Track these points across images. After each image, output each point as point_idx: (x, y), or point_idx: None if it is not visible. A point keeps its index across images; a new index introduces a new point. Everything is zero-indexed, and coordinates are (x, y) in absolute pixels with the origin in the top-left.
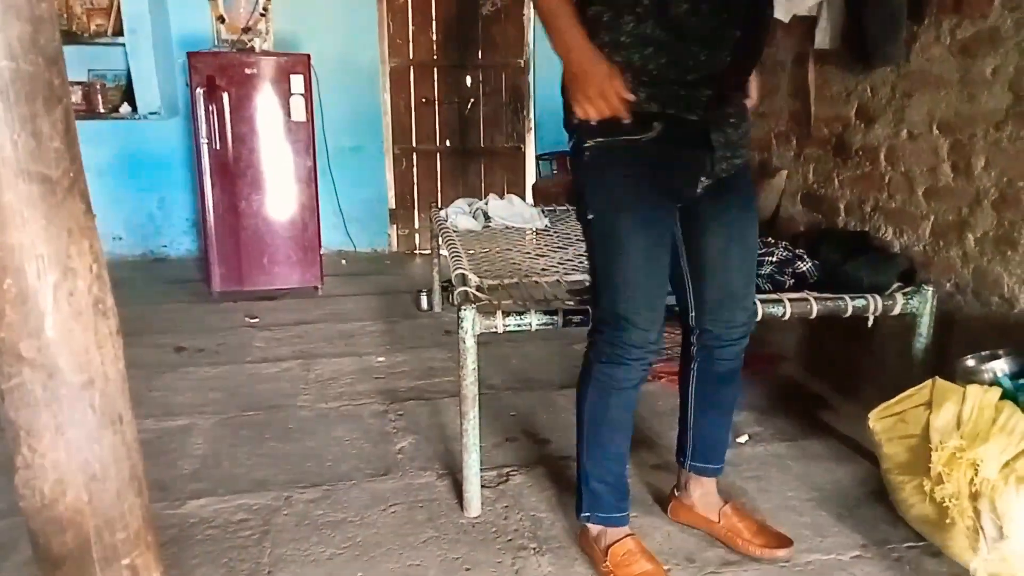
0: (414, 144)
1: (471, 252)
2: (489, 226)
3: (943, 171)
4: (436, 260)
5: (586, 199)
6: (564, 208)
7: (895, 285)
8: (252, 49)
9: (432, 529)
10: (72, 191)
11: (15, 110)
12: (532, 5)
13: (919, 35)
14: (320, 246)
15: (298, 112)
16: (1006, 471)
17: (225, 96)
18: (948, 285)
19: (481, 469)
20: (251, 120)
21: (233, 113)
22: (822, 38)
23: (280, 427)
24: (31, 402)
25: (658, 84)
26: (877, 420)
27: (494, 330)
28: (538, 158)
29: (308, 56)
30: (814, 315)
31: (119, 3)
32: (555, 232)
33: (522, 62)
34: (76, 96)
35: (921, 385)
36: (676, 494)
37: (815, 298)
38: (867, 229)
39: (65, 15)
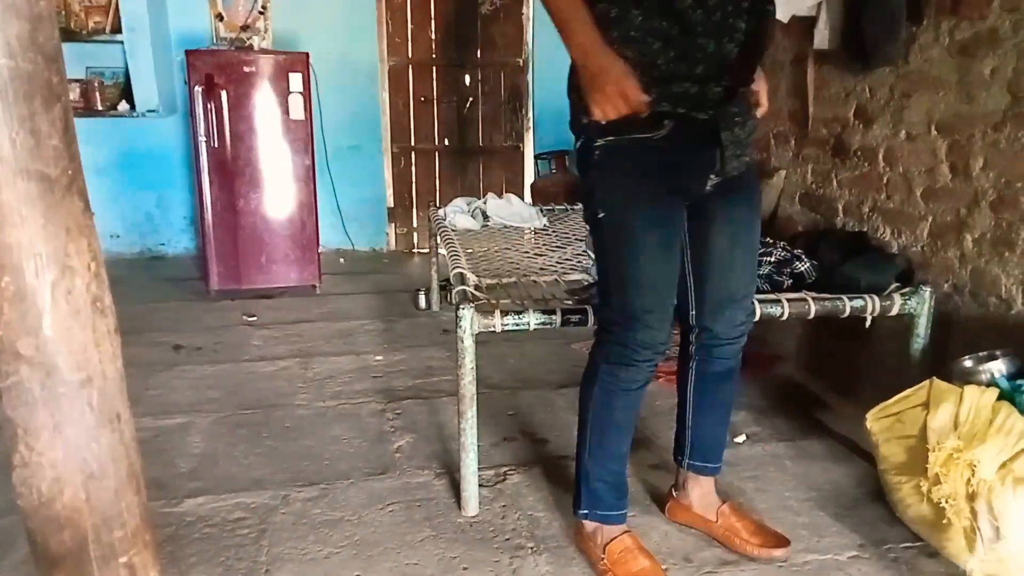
0: (413, 143)
1: (469, 251)
2: (487, 225)
3: (941, 172)
4: (434, 259)
5: (596, 198)
6: (562, 207)
7: (893, 286)
8: (251, 47)
9: (430, 528)
10: (71, 189)
11: (14, 108)
12: (545, 8)
13: (918, 36)
14: (318, 245)
15: (296, 111)
16: (1003, 472)
17: (223, 94)
18: (946, 286)
19: (479, 468)
20: (249, 118)
21: (231, 111)
22: (821, 38)
23: (278, 426)
24: (29, 400)
25: (668, 81)
26: (875, 420)
27: (492, 329)
28: (536, 157)
29: (307, 54)
30: (812, 315)
31: (117, 1)
32: (553, 231)
33: (521, 61)
34: (74, 94)
35: (919, 386)
36: (674, 494)
37: (813, 298)
38: (865, 229)
39: (63, 12)
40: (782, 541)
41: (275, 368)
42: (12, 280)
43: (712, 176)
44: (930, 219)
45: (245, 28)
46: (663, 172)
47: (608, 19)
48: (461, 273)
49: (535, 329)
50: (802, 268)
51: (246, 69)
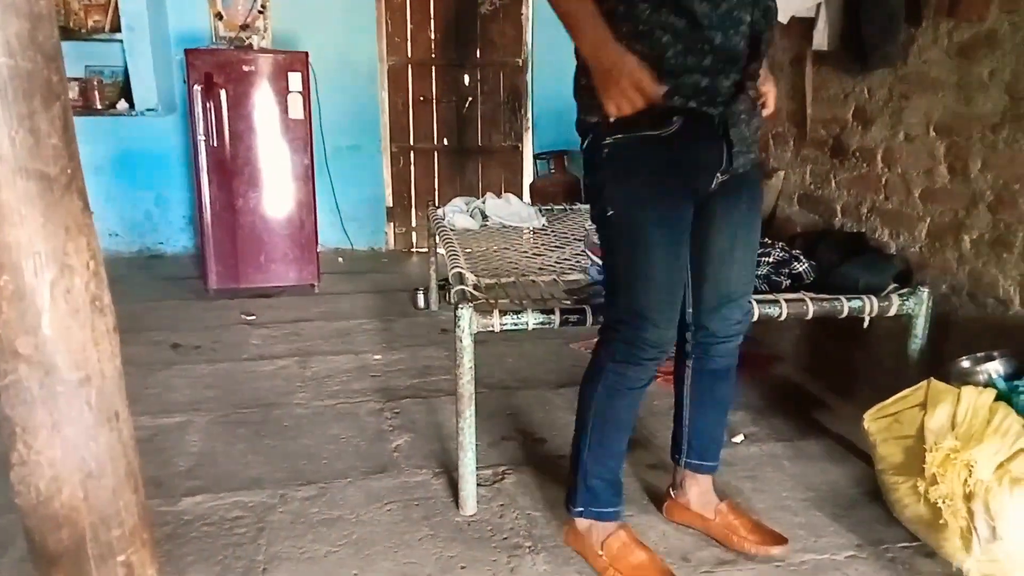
0: (412, 142)
1: (468, 251)
2: (486, 225)
3: (940, 173)
4: (433, 259)
5: (605, 196)
6: (561, 207)
7: (891, 286)
8: (250, 46)
9: (428, 527)
10: (70, 188)
11: (13, 107)
12: (552, 8)
13: (917, 37)
14: (317, 244)
15: (296, 110)
16: (1000, 472)
17: (223, 93)
18: (944, 287)
19: (477, 468)
20: (248, 118)
21: (230, 110)
22: (820, 39)
23: (276, 425)
24: (27, 399)
25: (679, 74)
26: (872, 421)
27: (491, 329)
28: (535, 157)
29: (306, 54)
30: (810, 316)
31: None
32: (552, 231)
33: (520, 61)
34: (73, 92)
35: (916, 386)
36: (672, 493)
37: (811, 299)
38: (863, 230)
39: (63, 11)
40: (780, 539)
41: (273, 367)
42: (11, 279)
43: (719, 174)
44: (928, 220)
45: (244, 27)
46: (672, 170)
47: (616, 15)
48: (460, 273)
49: (533, 329)
50: (800, 268)
51: (245, 68)
